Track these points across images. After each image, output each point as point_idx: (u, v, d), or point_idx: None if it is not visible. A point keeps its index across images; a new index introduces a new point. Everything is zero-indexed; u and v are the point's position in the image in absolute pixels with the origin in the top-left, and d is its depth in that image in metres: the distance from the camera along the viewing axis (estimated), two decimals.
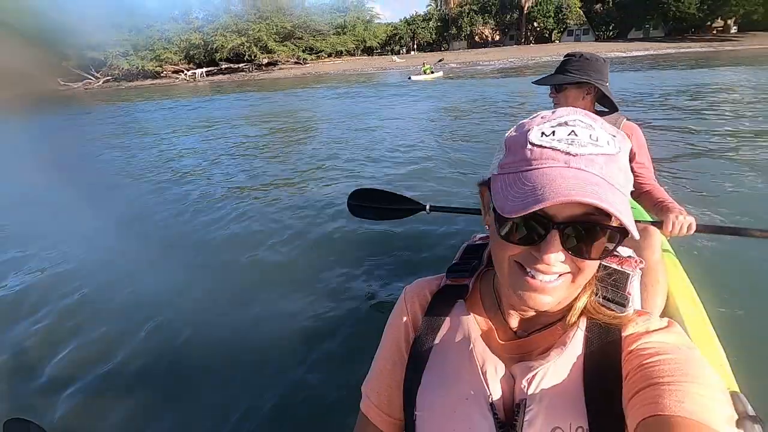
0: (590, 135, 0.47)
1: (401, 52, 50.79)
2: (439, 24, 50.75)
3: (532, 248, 0.49)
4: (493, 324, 0.60)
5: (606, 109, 1.84)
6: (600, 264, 0.57)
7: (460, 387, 0.57)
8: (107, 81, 38.88)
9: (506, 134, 0.54)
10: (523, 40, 48.00)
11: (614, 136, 0.49)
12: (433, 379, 0.60)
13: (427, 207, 2.13)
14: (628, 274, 0.58)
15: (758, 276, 2.45)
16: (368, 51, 49.51)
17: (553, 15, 44.97)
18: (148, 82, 38.74)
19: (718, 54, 29.18)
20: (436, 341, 0.62)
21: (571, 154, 0.46)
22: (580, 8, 44.58)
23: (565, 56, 1.82)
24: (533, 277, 0.49)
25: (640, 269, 0.61)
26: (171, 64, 40.37)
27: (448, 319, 0.62)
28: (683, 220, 1.56)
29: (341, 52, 45.68)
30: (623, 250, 0.63)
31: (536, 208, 0.44)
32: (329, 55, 45.11)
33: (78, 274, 3.59)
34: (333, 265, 3.38)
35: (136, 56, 38.97)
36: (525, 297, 0.51)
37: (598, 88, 1.71)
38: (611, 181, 0.46)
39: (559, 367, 0.53)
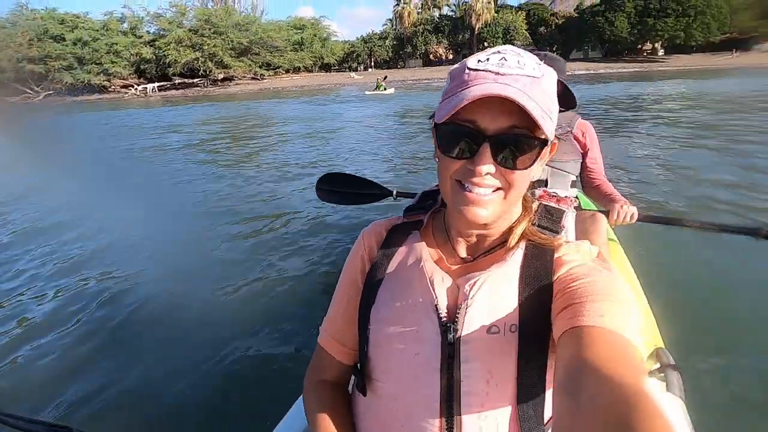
0: (518, 61, 0.54)
1: (359, 69, 51.69)
2: (395, 42, 52.23)
3: (467, 162, 0.55)
4: (443, 253, 0.66)
5: (563, 109, 2.04)
6: (540, 204, 0.67)
7: (409, 297, 0.62)
8: (48, 95, 36.67)
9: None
10: None
11: (539, 64, 0.56)
12: (385, 295, 0.65)
13: (394, 192, 2.20)
14: (563, 211, 0.66)
15: (689, 262, 2.79)
16: (326, 68, 49.99)
17: (501, 36, 47.59)
18: (95, 96, 36.93)
19: (648, 73, 32.16)
20: (390, 266, 0.67)
21: (499, 74, 0.53)
22: (526, 30, 47.56)
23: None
24: (470, 191, 0.55)
25: (574, 208, 0.71)
26: (120, 78, 38.77)
27: (403, 247, 0.68)
28: (627, 210, 1.72)
29: (299, 68, 45.79)
30: (561, 193, 0.75)
31: (460, 106, 0.51)
32: (287, 71, 45.09)
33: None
34: (300, 248, 3.51)
35: (81, 70, 37.14)
36: (464, 211, 0.56)
37: (563, 83, 1.91)
38: (533, 96, 0.52)
39: (498, 276, 0.59)
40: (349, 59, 52.51)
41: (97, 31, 38.69)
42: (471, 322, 0.57)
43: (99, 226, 4.20)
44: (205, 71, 39.42)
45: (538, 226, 0.64)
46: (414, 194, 2.25)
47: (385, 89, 23.82)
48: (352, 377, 0.73)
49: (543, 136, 0.53)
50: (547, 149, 0.57)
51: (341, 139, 9.83)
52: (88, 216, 4.48)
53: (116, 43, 37.98)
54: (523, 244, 0.62)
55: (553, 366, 0.55)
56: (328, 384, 0.74)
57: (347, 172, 2.31)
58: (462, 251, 0.65)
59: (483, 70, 0.54)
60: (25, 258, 3.70)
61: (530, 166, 0.55)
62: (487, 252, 0.64)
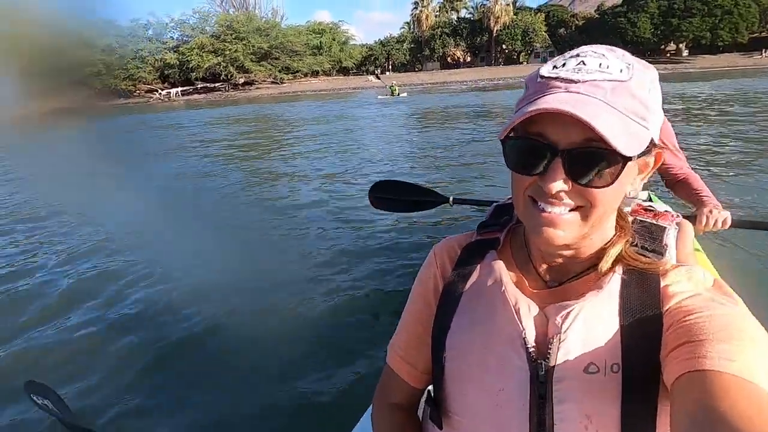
0: (600, 63, 0.48)
1: (376, 72, 52.00)
2: (412, 45, 52.39)
3: (539, 179, 0.50)
4: (525, 276, 0.60)
5: None
6: (636, 219, 0.60)
7: (491, 325, 0.56)
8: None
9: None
10: (493, 62, 50.10)
11: (630, 65, 0.49)
12: (462, 321, 0.60)
13: (451, 199, 2.10)
14: (664, 227, 0.59)
15: None
16: (344, 71, 50.45)
17: (520, 38, 47.28)
18: (121, 101, 38.11)
19: (673, 74, 31.43)
20: (467, 287, 0.61)
21: (572, 81, 0.48)
22: (545, 32, 47.11)
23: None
24: (544, 210, 0.50)
25: (676, 224, 0.62)
26: (144, 83, 39.94)
27: (479, 267, 0.62)
28: (718, 215, 1.46)
29: (317, 72, 46.37)
30: (659, 206, 0.67)
31: (518, 120, 0.47)
32: (305, 75, 45.70)
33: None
34: (354, 257, 3.51)
35: (109, 75, 38.34)
36: (539, 231, 0.51)
37: None
38: (615, 105, 0.46)
39: (595, 307, 0.52)
40: (367, 62, 52.88)
41: (124, 38, 39.88)
42: (565, 359, 0.51)
43: (151, 237, 4.28)
44: (226, 75, 40.29)
45: (639, 247, 0.56)
46: (473, 201, 2.19)
47: (399, 93, 24.32)
48: (423, 402, 0.69)
49: (624, 152, 0.45)
50: (633, 164, 0.50)
51: (375, 144, 9.94)
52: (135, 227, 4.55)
53: (142, 49, 39.16)
54: (620, 269, 0.54)
55: (665, 412, 0.48)
56: (398, 408, 0.70)
57: (396, 179, 2.33)
58: (546, 274, 0.59)
59: (555, 78, 0.49)
60: (95, 264, 3.87)
61: (612, 183, 0.48)
62: (575, 277, 0.57)
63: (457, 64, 51.66)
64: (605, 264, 0.54)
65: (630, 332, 0.50)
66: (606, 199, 0.50)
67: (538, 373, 0.52)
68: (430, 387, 0.65)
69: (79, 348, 2.57)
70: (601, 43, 0.50)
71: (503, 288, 0.57)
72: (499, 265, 0.59)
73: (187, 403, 2.08)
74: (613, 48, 0.51)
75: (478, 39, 50.51)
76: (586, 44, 0.50)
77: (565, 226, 0.50)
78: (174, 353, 2.46)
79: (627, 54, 0.50)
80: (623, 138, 0.45)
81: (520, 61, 49.40)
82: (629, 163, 0.48)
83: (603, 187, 0.49)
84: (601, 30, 43.54)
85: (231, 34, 40.00)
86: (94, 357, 2.48)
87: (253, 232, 4.36)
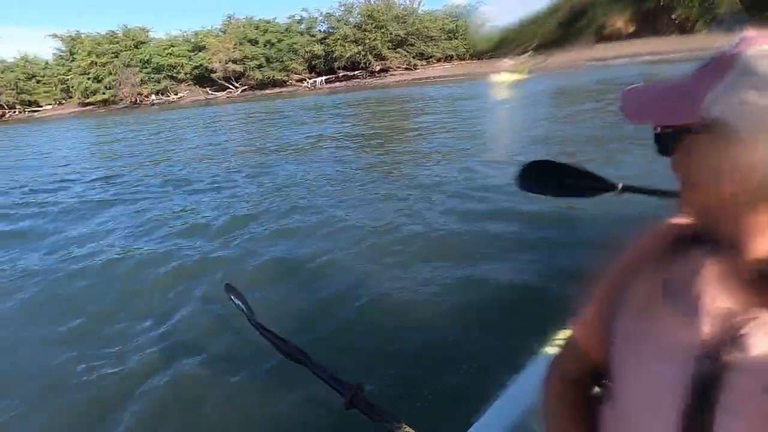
0: None
1: (515, 54, 49.07)
2: (562, 20, 47.74)
3: None
4: (725, 271, 0.51)
5: None
6: None
7: (667, 316, 0.51)
8: (244, 90, 44.48)
9: (742, 51, 0.43)
10: (661, 32, 42.71)
11: None
12: (637, 303, 0.56)
13: (619, 186, 1.80)
14: None
15: None
16: (479, 55, 48.84)
17: (697, 3, 39.35)
18: (276, 90, 43.35)
19: None
20: (655, 275, 0.56)
21: None
22: None
23: None
24: None
25: None
26: (296, 73, 44.64)
27: (674, 256, 0.56)
28: None
29: (452, 57, 45.82)
30: None
31: None
32: (438, 60, 45.57)
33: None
34: (498, 241, 3.45)
35: (268, 67, 43.93)
36: None
37: None
38: None
39: None
40: (504, 44, 50.22)
41: (282, 33, 45.08)
42: (743, 370, 0.45)
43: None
44: (365, 64, 42.55)
45: None
46: (648, 191, 1.83)
47: (523, 73, 21.90)
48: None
49: None
50: None
51: (509, 125, 9.48)
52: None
53: (295, 43, 43.73)
54: None
55: None
56: (572, 380, 0.68)
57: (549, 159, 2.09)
58: (751, 272, 0.50)
59: None
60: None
61: None
62: None
63: (616, 38, 45.39)
64: None
65: None
66: None
67: (708, 376, 0.46)
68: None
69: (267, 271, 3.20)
70: None
71: (694, 281, 0.52)
72: (695, 257, 0.53)
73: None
74: None
75: (645, 5, 43.55)
76: None
77: None
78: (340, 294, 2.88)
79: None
80: None
81: (696, 30, 41.18)
82: None
83: None
84: None
85: (371, 23, 41.93)
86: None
87: (393, 210, 4.49)
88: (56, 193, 7.25)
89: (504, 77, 21.29)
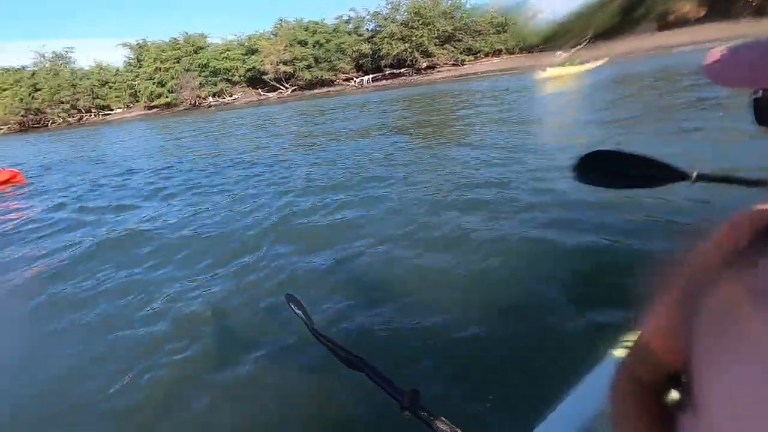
0: None
1: (568, 47, 47.06)
2: (620, 7, 45.16)
3: None
4: None
5: None
6: None
7: (763, 325, 0.43)
8: (293, 91, 45.94)
9: None
10: (735, 17, 39.25)
11: None
12: (726, 315, 0.48)
13: (693, 175, 1.58)
14: None
15: None
16: (530, 48, 47.32)
17: None
18: (325, 89, 44.39)
19: None
20: (743, 274, 0.49)
21: None
22: None
23: None
24: None
25: None
26: (343, 73, 45.47)
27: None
28: None
29: (500, 51, 44.76)
30: None
31: None
32: (486, 55, 44.66)
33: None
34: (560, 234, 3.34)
35: (317, 67, 45.08)
36: None
37: None
38: None
39: None
40: (557, 36, 48.30)
41: (330, 33, 46.05)
42: None
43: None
44: (411, 61, 42.55)
45: None
46: (727, 179, 1.61)
47: (578, 65, 20.71)
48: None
49: None
50: None
51: (565, 116, 9.24)
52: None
53: (343, 42, 44.53)
54: None
55: None
56: (643, 384, 0.62)
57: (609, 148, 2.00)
58: None
59: None
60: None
61: None
62: None
63: (681, 24, 42.22)
64: None
65: None
66: None
67: None
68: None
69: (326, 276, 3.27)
70: None
71: None
72: None
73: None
74: None
75: None
76: None
77: None
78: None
79: None
80: None
81: None
82: None
83: None
84: None
85: (418, 20, 41.84)
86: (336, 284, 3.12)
87: (454, 201, 4.56)
88: (126, 185, 8.02)
89: (557, 71, 20.39)
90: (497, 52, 44.93)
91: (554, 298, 2.52)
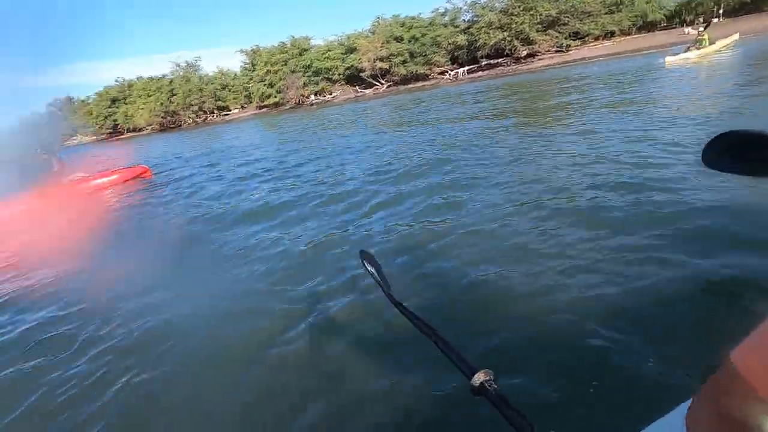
0: None
1: (697, 22, 40.81)
2: None
3: None
4: None
5: None
6: None
7: None
8: (389, 86, 46.92)
9: None
10: None
11: None
12: None
13: None
14: None
15: None
16: (649, 27, 42.02)
17: None
18: (419, 84, 44.56)
19: None
20: None
21: None
22: None
23: None
24: None
25: None
26: (438, 66, 45.15)
27: None
28: None
29: (613, 33, 40.52)
30: None
31: None
32: (596, 39, 40.73)
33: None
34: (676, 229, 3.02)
35: (412, 62, 45.42)
36: None
37: None
38: None
39: None
40: (684, 11, 42.15)
41: (426, 27, 45.96)
42: None
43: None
44: (510, 50, 40.63)
45: None
46: None
47: (710, 44, 17.83)
48: None
49: None
50: None
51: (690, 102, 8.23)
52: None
53: (439, 35, 44.12)
54: None
55: None
56: (736, 423, 0.54)
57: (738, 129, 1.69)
58: None
59: None
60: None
61: None
62: None
63: None
64: None
65: None
66: None
67: None
68: None
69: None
70: None
71: None
72: None
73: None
74: None
75: None
76: None
77: None
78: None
79: None
80: None
81: None
82: None
83: None
84: None
85: (519, 6, 39.71)
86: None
87: (554, 195, 4.41)
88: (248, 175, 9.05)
89: (684, 55, 17.73)
90: (609, 35, 40.74)
91: (674, 328, 2.09)
